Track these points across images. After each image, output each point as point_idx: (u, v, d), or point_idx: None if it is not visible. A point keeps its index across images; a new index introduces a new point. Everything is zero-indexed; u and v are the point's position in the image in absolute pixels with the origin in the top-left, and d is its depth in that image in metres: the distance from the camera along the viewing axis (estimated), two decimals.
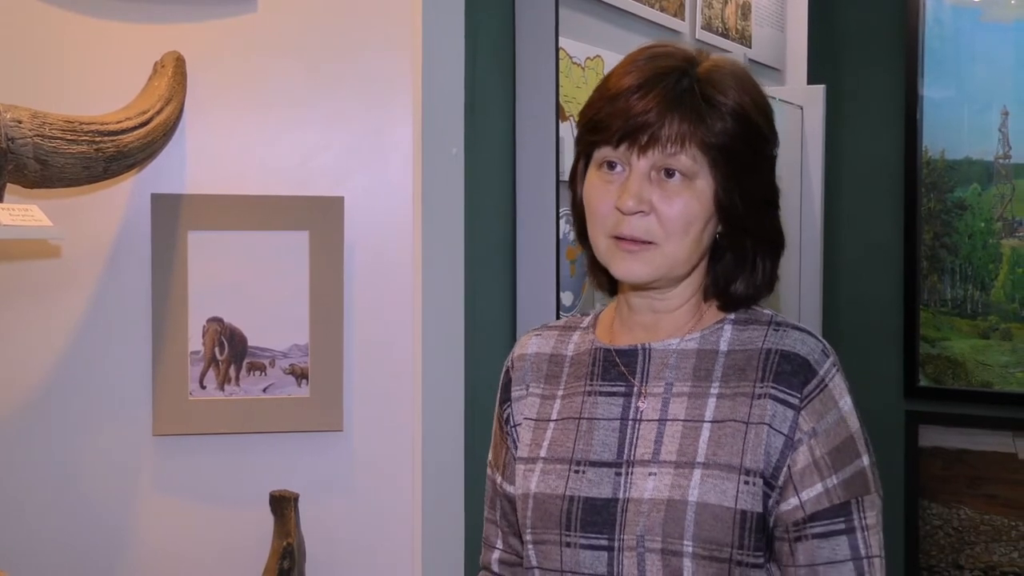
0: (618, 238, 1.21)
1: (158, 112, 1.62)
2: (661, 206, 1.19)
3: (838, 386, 1.21)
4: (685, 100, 1.19)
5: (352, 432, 1.77)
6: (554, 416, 1.31)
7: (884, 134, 3.45)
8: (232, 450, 1.74)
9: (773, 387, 1.20)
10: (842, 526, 1.18)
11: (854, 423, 1.21)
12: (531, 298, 2.07)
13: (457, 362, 1.86)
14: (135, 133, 1.57)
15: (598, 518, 1.22)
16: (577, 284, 2.25)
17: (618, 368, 1.28)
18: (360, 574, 1.78)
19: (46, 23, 1.69)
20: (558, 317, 2.07)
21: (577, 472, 1.25)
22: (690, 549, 1.17)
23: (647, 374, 1.26)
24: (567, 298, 2.19)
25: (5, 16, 1.68)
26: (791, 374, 1.20)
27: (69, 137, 1.47)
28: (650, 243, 1.20)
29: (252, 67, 1.74)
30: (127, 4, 1.71)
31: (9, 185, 1.45)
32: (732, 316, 1.27)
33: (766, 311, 1.28)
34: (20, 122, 1.42)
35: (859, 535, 1.19)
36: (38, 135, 1.43)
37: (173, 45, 1.70)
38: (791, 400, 1.19)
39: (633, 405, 1.25)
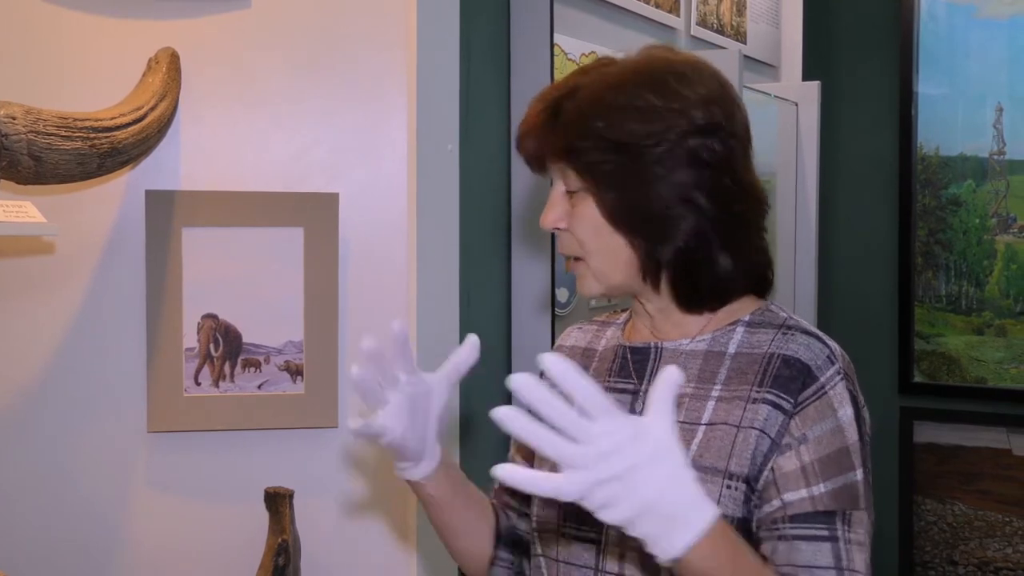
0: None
1: (152, 108, 1.61)
2: (571, 221, 1.23)
3: (839, 395, 1.16)
4: (539, 120, 1.22)
5: (347, 428, 1.76)
6: None
7: (879, 130, 3.45)
8: (227, 447, 1.74)
9: (769, 391, 1.17)
10: (824, 533, 1.12)
11: (852, 435, 1.16)
12: (526, 294, 2.07)
13: None
14: (129, 129, 1.56)
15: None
16: (572, 280, 2.25)
17: (632, 366, 1.28)
18: (355, 570, 1.78)
19: (41, 19, 1.69)
20: (553, 314, 2.07)
21: None
22: None
23: (654, 374, 1.25)
24: (562, 295, 2.19)
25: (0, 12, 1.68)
26: (789, 379, 1.16)
27: (63, 133, 1.46)
28: (580, 259, 1.25)
29: (246, 63, 1.73)
30: (122, 0, 1.70)
31: (3, 181, 1.45)
32: (746, 318, 1.24)
33: (782, 313, 1.25)
34: (14, 118, 1.41)
35: (842, 546, 1.12)
36: (32, 131, 1.43)
37: (167, 41, 1.70)
38: (784, 404, 1.15)
39: (638, 404, 1.25)
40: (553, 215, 1.24)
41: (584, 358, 1.36)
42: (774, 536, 1.14)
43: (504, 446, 2.10)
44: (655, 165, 1.17)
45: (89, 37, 1.70)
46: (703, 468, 1.16)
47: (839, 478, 1.14)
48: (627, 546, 1.19)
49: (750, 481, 1.15)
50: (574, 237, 1.23)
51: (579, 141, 1.18)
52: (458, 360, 1.26)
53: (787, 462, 1.14)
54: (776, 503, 1.14)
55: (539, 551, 1.30)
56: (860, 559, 1.13)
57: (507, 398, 2.10)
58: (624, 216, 1.19)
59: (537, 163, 1.25)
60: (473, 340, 1.27)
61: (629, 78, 1.20)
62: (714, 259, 1.20)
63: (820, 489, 1.13)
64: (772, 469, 1.14)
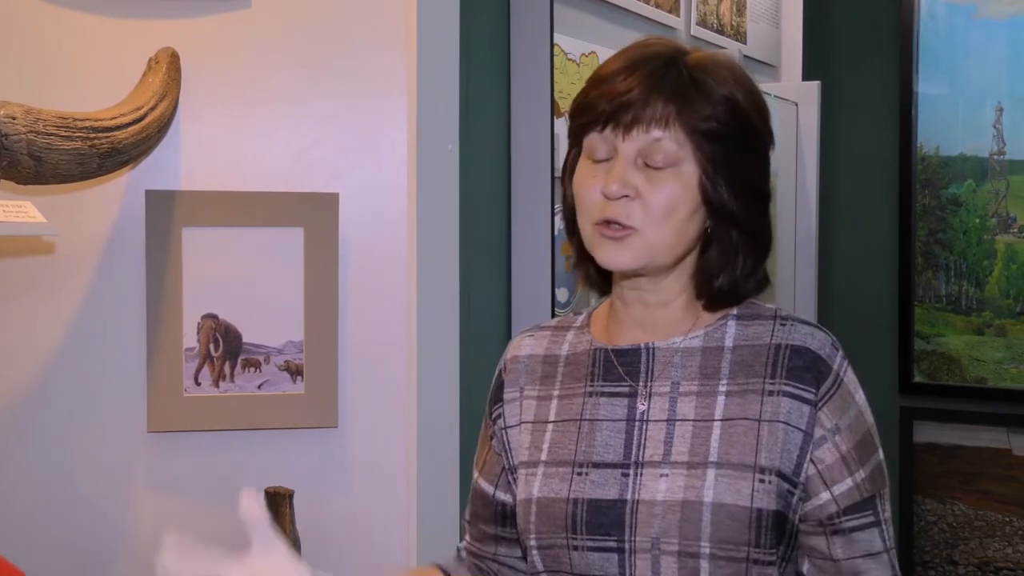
0: (604, 224, 1.18)
1: (152, 108, 1.62)
2: (646, 191, 1.16)
3: (852, 380, 1.22)
4: (670, 82, 1.17)
5: (347, 428, 1.77)
6: (552, 418, 1.28)
7: (879, 130, 3.45)
8: (227, 447, 1.74)
9: (786, 383, 1.19)
10: (872, 519, 1.20)
11: (869, 417, 1.22)
12: (526, 294, 2.07)
13: (452, 358, 1.86)
14: (129, 129, 1.56)
15: (604, 519, 1.19)
16: (572, 280, 2.25)
17: (620, 368, 1.25)
18: (355, 570, 1.78)
19: (40, 19, 1.69)
20: (553, 313, 2.07)
21: (580, 474, 1.22)
22: (707, 550, 1.15)
23: (651, 373, 1.23)
24: (562, 294, 2.19)
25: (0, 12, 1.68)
26: (803, 369, 1.20)
27: (63, 133, 1.46)
28: (632, 229, 1.17)
29: (246, 63, 1.73)
30: (122, 0, 1.70)
31: (3, 181, 1.45)
32: (735, 312, 1.25)
33: (769, 306, 1.27)
34: (14, 118, 1.41)
35: (883, 528, 1.21)
36: (32, 131, 1.43)
37: (167, 41, 1.70)
38: (806, 396, 1.19)
39: (638, 405, 1.23)
40: (622, 181, 1.16)
41: (546, 365, 1.31)
42: (828, 531, 1.19)
43: None
44: (766, 152, 1.24)
45: (89, 37, 1.70)
46: (731, 464, 1.17)
47: (870, 462, 1.21)
48: (662, 550, 1.16)
49: (785, 475, 1.18)
50: (644, 206, 1.16)
51: (722, 116, 1.17)
52: (252, 522, 1.25)
53: (827, 454, 1.19)
54: (824, 496, 1.19)
55: (540, 568, 1.24)
56: (892, 533, 1.23)
57: None
58: (723, 197, 1.18)
59: (637, 125, 1.17)
60: (247, 494, 1.24)
61: (737, 65, 1.24)
62: (768, 250, 1.25)
63: (861, 475, 1.20)
64: (812, 462, 1.18)
